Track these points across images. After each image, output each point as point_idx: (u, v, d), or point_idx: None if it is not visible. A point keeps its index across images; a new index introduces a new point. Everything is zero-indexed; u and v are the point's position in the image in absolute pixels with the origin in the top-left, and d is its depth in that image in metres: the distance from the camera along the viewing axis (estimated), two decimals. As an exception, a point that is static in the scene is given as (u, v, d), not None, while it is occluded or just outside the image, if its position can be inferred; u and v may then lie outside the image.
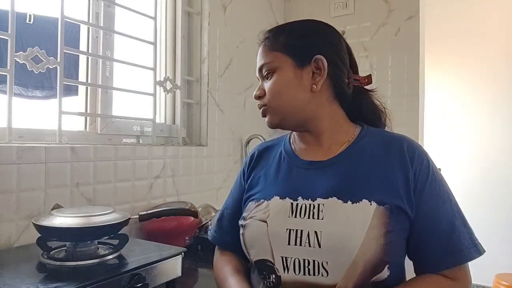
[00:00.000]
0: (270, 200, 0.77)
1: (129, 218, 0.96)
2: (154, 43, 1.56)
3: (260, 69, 0.86)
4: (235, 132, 1.96)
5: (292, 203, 0.74)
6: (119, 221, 0.91)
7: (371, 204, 0.69)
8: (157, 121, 1.61)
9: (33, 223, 0.87)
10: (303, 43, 0.80)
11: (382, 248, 0.67)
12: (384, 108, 0.88)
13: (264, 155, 0.91)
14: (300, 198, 0.74)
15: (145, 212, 1.06)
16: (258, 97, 0.86)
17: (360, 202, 0.69)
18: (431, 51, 3.02)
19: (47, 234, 0.89)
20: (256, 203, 0.79)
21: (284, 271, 0.70)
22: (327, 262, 0.68)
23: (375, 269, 0.67)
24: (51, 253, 0.90)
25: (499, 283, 2.78)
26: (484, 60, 3.31)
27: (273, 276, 0.71)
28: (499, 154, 3.25)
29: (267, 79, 0.83)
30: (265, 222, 0.74)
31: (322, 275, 0.68)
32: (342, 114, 0.83)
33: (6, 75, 1.10)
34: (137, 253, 0.94)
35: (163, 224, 1.30)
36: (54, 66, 1.21)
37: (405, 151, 0.74)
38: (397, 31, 1.98)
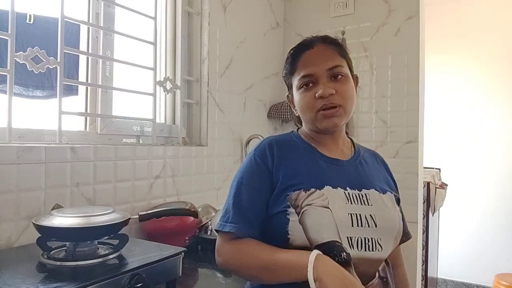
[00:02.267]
0: (322, 189, 0.85)
1: (129, 218, 0.97)
2: (154, 43, 1.56)
3: (331, 69, 0.89)
4: (235, 132, 1.96)
5: (345, 192, 0.86)
6: (119, 221, 0.92)
7: (391, 194, 0.93)
8: (157, 121, 1.61)
9: (33, 223, 0.87)
10: (351, 61, 0.96)
11: (403, 224, 0.92)
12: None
13: (286, 151, 0.92)
14: (348, 188, 0.87)
15: (145, 212, 1.06)
16: (330, 95, 0.88)
17: (387, 193, 0.92)
18: (431, 51, 3.02)
19: (47, 234, 0.89)
20: (307, 192, 0.84)
21: (350, 249, 0.81)
22: (380, 239, 0.84)
23: (402, 239, 0.94)
24: (51, 253, 0.90)
25: (499, 283, 2.78)
26: (484, 60, 3.31)
27: (344, 254, 0.80)
28: (499, 154, 3.25)
29: (336, 81, 0.89)
30: (328, 208, 0.83)
31: (378, 250, 0.83)
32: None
33: (6, 75, 1.10)
34: (137, 253, 0.94)
35: (163, 224, 1.30)
36: (54, 66, 1.21)
37: (382, 159, 1.05)
38: (397, 31, 1.98)
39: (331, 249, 0.80)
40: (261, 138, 1.92)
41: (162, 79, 1.62)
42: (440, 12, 3.34)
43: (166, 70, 1.72)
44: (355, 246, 0.82)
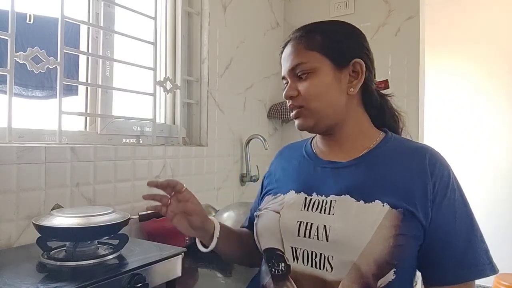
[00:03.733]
0: (286, 194, 0.81)
1: (129, 218, 0.97)
2: (154, 43, 1.56)
3: (293, 68, 0.81)
4: (235, 132, 1.96)
5: (306, 198, 0.77)
6: (119, 221, 0.92)
7: (383, 205, 0.70)
8: (157, 121, 1.61)
9: (33, 223, 0.87)
10: (342, 45, 0.80)
11: (389, 250, 0.67)
12: (400, 113, 0.91)
13: (285, 156, 0.94)
14: (314, 193, 0.77)
15: (145, 212, 1.06)
16: (291, 97, 0.81)
17: (373, 202, 0.71)
18: (431, 51, 3.02)
19: (47, 234, 0.89)
20: (273, 196, 0.83)
21: (294, 261, 0.74)
22: (332, 257, 0.70)
23: (380, 271, 0.67)
24: (51, 253, 0.90)
25: (499, 283, 2.78)
26: (484, 60, 3.31)
27: (282, 264, 0.74)
28: (500, 155, 3.25)
29: (301, 79, 0.80)
30: (278, 213, 0.78)
31: (326, 270, 0.70)
32: (366, 118, 0.84)
33: (6, 75, 1.10)
34: (137, 253, 0.94)
35: (163, 224, 1.30)
36: (54, 66, 1.21)
37: (426, 162, 0.74)
38: (397, 31, 1.98)
39: (270, 258, 0.77)
40: (261, 138, 1.92)
41: (162, 79, 1.62)
42: (440, 12, 3.34)
43: (166, 70, 1.72)
44: (300, 258, 0.73)
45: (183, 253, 0.98)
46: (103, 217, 0.90)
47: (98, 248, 0.93)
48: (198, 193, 1.67)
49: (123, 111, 1.50)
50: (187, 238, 1.38)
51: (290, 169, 0.88)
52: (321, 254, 0.71)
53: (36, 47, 1.17)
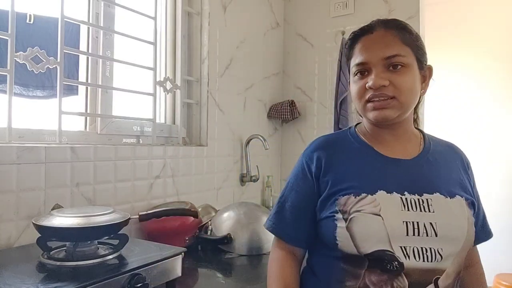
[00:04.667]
0: (375, 194, 0.80)
1: (129, 218, 0.97)
2: (154, 43, 1.56)
3: (389, 58, 0.79)
4: (235, 132, 1.96)
5: (401, 198, 0.79)
6: (119, 221, 0.92)
7: (462, 199, 0.82)
8: (157, 121, 1.61)
9: (33, 223, 0.87)
10: (423, 49, 0.85)
11: (473, 235, 0.82)
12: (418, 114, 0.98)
13: (335, 152, 0.88)
14: (406, 193, 0.80)
15: (145, 212, 1.06)
16: (382, 87, 0.79)
17: (455, 197, 0.81)
18: (431, 51, 3.01)
19: (47, 234, 0.89)
20: (357, 197, 0.80)
21: (406, 258, 0.76)
22: (442, 249, 0.77)
23: (468, 253, 0.83)
24: (51, 253, 0.90)
25: (499, 283, 2.78)
26: (485, 60, 3.31)
27: (395, 263, 0.76)
28: (500, 154, 3.25)
29: (392, 71, 0.79)
30: (379, 215, 0.77)
31: (437, 261, 0.77)
32: (412, 119, 0.91)
33: (6, 75, 1.10)
34: (137, 253, 0.94)
35: (163, 224, 1.30)
36: (54, 66, 1.21)
37: (463, 157, 0.91)
38: (397, 31, 1.98)
39: (381, 258, 0.76)
40: (261, 138, 1.92)
41: (162, 79, 1.62)
42: (440, 12, 3.34)
43: (166, 70, 1.72)
44: (411, 255, 0.76)
45: (183, 253, 0.98)
46: (103, 217, 0.90)
47: (98, 248, 0.93)
48: (198, 193, 1.69)
49: (123, 111, 1.50)
50: (187, 238, 1.39)
51: (355, 166, 0.85)
52: (430, 248, 0.76)
53: (36, 47, 1.17)
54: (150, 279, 0.86)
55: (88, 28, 1.40)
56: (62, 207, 1.01)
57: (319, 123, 2.24)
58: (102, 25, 1.42)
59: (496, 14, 3.24)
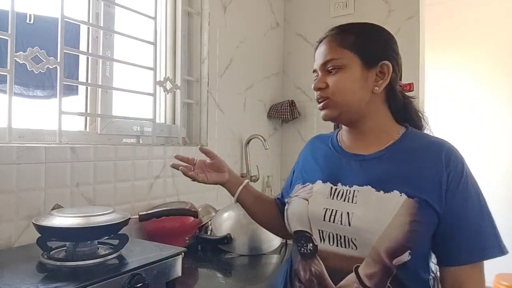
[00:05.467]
0: (314, 183, 0.89)
1: (129, 218, 0.97)
2: (154, 43, 1.56)
3: (325, 63, 0.87)
4: (235, 132, 1.96)
5: (331, 187, 0.86)
6: (119, 221, 0.92)
7: (401, 195, 0.78)
8: (157, 121, 1.61)
9: (33, 223, 0.87)
10: (373, 47, 0.87)
11: (405, 234, 0.75)
12: (423, 113, 0.97)
13: (314, 147, 1.01)
14: (339, 184, 0.85)
15: (145, 212, 1.06)
16: (319, 89, 0.88)
17: (391, 192, 0.79)
18: (431, 51, 3.02)
19: (47, 234, 0.89)
20: (303, 185, 0.92)
21: (321, 242, 0.83)
22: (355, 239, 0.78)
23: (396, 252, 0.76)
24: (51, 253, 0.90)
25: (499, 283, 2.78)
26: (485, 60, 3.31)
27: (310, 244, 0.84)
28: (500, 154, 3.25)
29: (331, 74, 0.86)
30: (307, 200, 0.87)
31: (352, 248, 0.79)
32: (389, 115, 0.90)
33: (6, 75, 1.10)
34: (137, 253, 0.94)
35: (163, 224, 1.30)
36: (54, 66, 1.21)
37: (442, 155, 0.81)
38: (397, 31, 1.98)
39: (300, 239, 0.87)
40: (261, 138, 1.92)
41: (162, 79, 1.62)
42: (440, 12, 3.34)
43: (166, 70, 1.72)
44: (326, 239, 0.82)
45: (183, 253, 0.98)
46: (103, 217, 0.90)
47: (98, 248, 0.93)
48: (198, 193, 1.69)
49: (123, 111, 1.50)
50: (187, 238, 1.39)
51: (318, 160, 0.95)
52: (345, 236, 0.79)
53: (36, 47, 1.17)
54: (150, 279, 0.86)
55: (88, 28, 1.40)
56: (62, 207, 1.01)
57: (319, 123, 2.24)
58: (102, 25, 1.42)
59: (496, 14, 3.24)
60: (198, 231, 1.43)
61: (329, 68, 0.86)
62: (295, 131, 2.31)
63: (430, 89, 3.14)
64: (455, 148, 0.84)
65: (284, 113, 2.18)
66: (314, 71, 0.91)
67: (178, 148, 1.60)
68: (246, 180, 1.05)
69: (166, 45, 1.73)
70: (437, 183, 0.79)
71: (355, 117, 0.87)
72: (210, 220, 1.48)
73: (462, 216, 0.78)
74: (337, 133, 0.99)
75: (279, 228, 1.04)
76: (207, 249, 1.40)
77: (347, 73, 0.85)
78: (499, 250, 0.79)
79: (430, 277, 0.84)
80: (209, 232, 1.43)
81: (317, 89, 0.88)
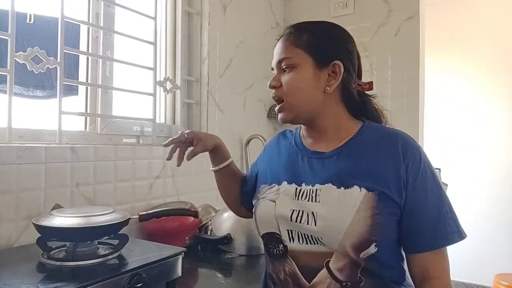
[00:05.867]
0: (280, 184, 0.89)
1: (129, 218, 0.97)
2: (154, 43, 1.56)
3: (280, 62, 0.87)
4: (235, 132, 1.96)
5: (296, 188, 0.86)
6: (119, 221, 0.92)
7: (360, 190, 0.79)
8: (157, 121, 1.61)
9: (33, 223, 0.87)
10: (325, 46, 0.86)
11: (368, 228, 0.76)
12: (383, 111, 0.96)
13: (279, 143, 1.01)
14: (303, 184, 0.85)
15: (145, 212, 1.06)
16: (273, 87, 0.88)
17: (352, 188, 0.80)
18: (431, 51, 3.03)
19: (47, 234, 0.89)
20: (268, 186, 0.92)
21: (290, 241, 0.83)
22: (321, 238, 0.79)
23: (362, 246, 0.77)
24: (51, 253, 0.90)
25: (499, 283, 2.78)
26: (485, 60, 3.31)
27: (281, 245, 0.85)
28: (499, 154, 3.25)
29: (285, 72, 0.87)
30: (274, 202, 0.87)
31: (320, 245, 0.80)
32: (346, 113, 0.90)
33: (6, 75, 1.10)
34: (137, 253, 0.94)
35: (163, 224, 1.30)
36: (54, 66, 1.21)
37: (398, 146, 0.82)
38: (397, 31, 1.98)
39: (270, 240, 0.87)
40: (261, 138, 1.92)
41: (162, 79, 1.62)
42: (440, 12, 3.34)
43: (166, 70, 1.72)
44: (295, 239, 0.83)
45: (183, 253, 0.98)
46: (103, 217, 0.90)
47: (98, 248, 0.93)
48: (198, 193, 1.69)
49: (123, 111, 1.50)
50: (187, 238, 1.39)
51: (282, 158, 0.95)
52: (311, 235, 0.80)
53: (36, 47, 1.17)
54: (150, 279, 0.86)
55: (88, 28, 1.40)
56: (62, 207, 1.01)
57: (319, 123, 2.23)
58: (102, 25, 1.42)
59: (496, 14, 3.24)
60: (198, 231, 1.43)
61: (283, 67, 0.86)
62: (295, 131, 2.31)
63: (430, 89, 3.15)
64: (411, 138, 0.84)
65: (284, 113, 2.18)
66: (272, 68, 0.91)
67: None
68: (231, 159, 1.12)
69: (166, 45, 1.73)
70: (395, 174, 0.79)
71: (310, 117, 0.88)
72: (210, 220, 1.47)
73: (422, 205, 0.80)
74: (300, 129, 0.98)
75: (232, 201, 1.12)
76: (207, 249, 1.40)
77: (299, 72, 0.85)
78: (458, 235, 0.81)
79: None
80: (209, 232, 1.43)
81: (271, 87, 0.88)
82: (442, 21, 3.37)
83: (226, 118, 1.90)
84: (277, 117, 0.91)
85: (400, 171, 0.79)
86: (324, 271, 0.79)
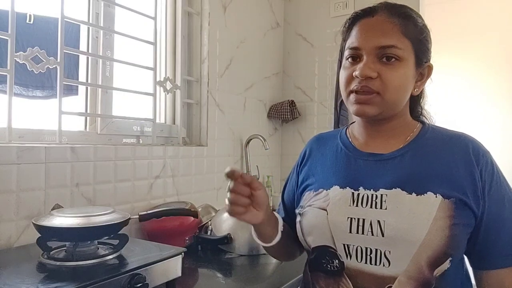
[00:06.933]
0: (329, 189, 0.77)
1: (129, 218, 0.97)
2: (154, 43, 1.56)
3: (383, 48, 0.72)
4: (235, 132, 1.96)
5: (353, 193, 0.74)
6: (119, 221, 0.92)
7: (436, 197, 0.69)
8: (157, 121, 1.61)
9: (33, 223, 0.87)
10: (427, 45, 0.77)
11: (446, 240, 0.67)
12: (429, 112, 0.90)
13: (319, 147, 0.89)
14: (361, 188, 0.74)
15: (145, 212, 1.06)
16: (368, 78, 0.72)
17: (425, 194, 0.70)
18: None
19: (47, 234, 0.89)
20: (315, 193, 0.80)
21: (347, 258, 0.72)
22: (389, 252, 0.68)
23: (438, 261, 0.68)
24: (51, 253, 0.90)
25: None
26: (485, 60, 3.31)
27: (336, 261, 0.73)
28: (500, 154, 3.25)
29: (384, 63, 0.72)
30: (325, 210, 0.75)
31: (383, 265, 0.69)
32: (409, 113, 0.83)
33: (6, 75, 1.10)
34: (137, 253, 0.94)
35: (163, 224, 1.30)
36: (54, 66, 1.21)
37: (470, 150, 0.74)
38: (397, 31, 1.97)
39: (323, 255, 0.76)
40: (261, 138, 1.92)
41: (162, 79, 1.62)
42: (440, 12, 3.34)
43: (166, 70, 1.72)
44: (353, 255, 0.71)
45: (183, 253, 0.98)
46: (103, 217, 0.90)
47: (98, 248, 0.93)
48: (198, 193, 1.69)
49: (123, 111, 1.50)
50: (187, 238, 1.39)
51: (327, 161, 0.83)
52: (376, 249, 0.69)
53: (36, 47, 1.17)
54: (150, 279, 0.86)
55: (88, 28, 1.40)
56: (62, 207, 1.01)
57: (319, 123, 2.24)
58: (102, 25, 1.42)
59: (496, 14, 3.24)
60: (198, 231, 1.43)
61: (385, 55, 0.72)
62: (295, 131, 2.31)
63: (430, 89, 3.14)
64: (479, 141, 0.77)
65: (284, 113, 2.18)
66: (355, 48, 0.75)
67: (178, 148, 1.60)
68: (279, 217, 0.85)
69: (166, 45, 1.73)
70: (471, 181, 0.71)
71: (390, 115, 0.77)
72: (210, 220, 1.47)
73: (500, 215, 0.72)
74: (346, 130, 0.88)
75: (292, 252, 0.92)
76: (207, 249, 1.40)
77: (406, 68, 0.73)
78: None
79: (472, 283, 0.77)
80: (209, 232, 1.43)
81: (365, 76, 0.71)
82: (442, 21, 3.37)
83: (226, 118, 1.90)
84: (339, 110, 0.76)
85: (475, 176, 0.71)
86: None
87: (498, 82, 3.27)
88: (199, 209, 1.52)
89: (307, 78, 2.28)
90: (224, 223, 1.41)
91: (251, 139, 1.98)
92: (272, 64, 2.26)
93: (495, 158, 0.79)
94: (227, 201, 0.73)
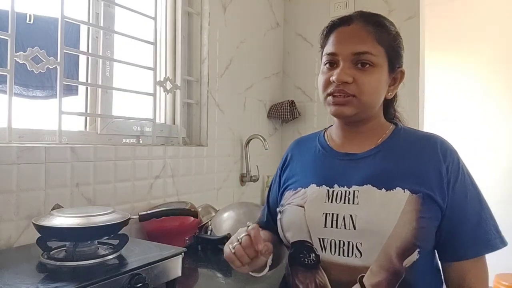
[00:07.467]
0: (307, 187, 0.83)
1: (129, 218, 0.97)
2: (154, 43, 1.56)
3: (358, 54, 0.77)
4: (235, 132, 1.96)
5: (328, 190, 0.80)
6: (119, 221, 0.92)
7: (404, 192, 0.75)
8: (157, 121, 1.61)
9: (33, 223, 0.87)
10: (400, 51, 0.84)
11: (413, 232, 0.72)
12: (401, 114, 0.97)
13: (300, 150, 0.95)
14: (336, 185, 0.80)
15: (145, 212, 1.06)
16: (344, 83, 0.77)
17: (394, 189, 0.75)
18: (431, 51, 3.03)
19: (47, 234, 0.89)
20: (294, 191, 0.85)
21: (322, 251, 0.77)
22: (361, 244, 0.73)
23: (406, 252, 0.72)
24: (51, 253, 0.90)
25: (499, 283, 2.78)
26: (484, 60, 3.31)
27: (313, 255, 0.78)
28: (500, 154, 3.25)
29: (359, 69, 0.78)
30: (303, 207, 0.80)
31: (355, 256, 0.74)
32: (382, 115, 0.89)
33: (6, 75, 1.10)
34: (137, 253, 0.94)
35: (163, 224, 1.30)
36: (54, 66, 1.21)
37: (438, 148, 0.80)
38: (397, 31, 1.97)
39: (301, 249, 0.80)
40: (261, 138, 1.92)
41: (162, 79, 1.62)
42: (440, 12, 3.34)
43: (166, 70, 1.72)
44: (327, 248, 0.76)
45: (183, 253, 0.98)
46: (103, 217, 0.90)
47: (98, 248, 0.93)
48: (198, 193, 1.69)
49: (123, 111, 1.50)
50: (187, 238, 1.39)
51: (306, 162, 0.89)
52: (349, 242, 0.74)
53: (36, 47, 1.17)
54: (150, 279, 0.86)
55: (88, 28, 1.40)
56: (62, 207, 1.01)
57: (319, 123, 2.24)
58: (102, 25, 1.42)
59: (496, 14, 3.24)
60: (198, 231, 1.44)
61: (360, 61, 0.77)
62: (295, 131, 2.31)
63: (430, 89, 3.14)
64: (447, 141, 0.83)
65: (284, 113, 2.18)
66: (332, 54, 0.80)
67: (178, 148, 1.60)
68: (270, 257, 0.82)
69: (166, 45, 1.73)
70: (437, 177, 0.76)
71: (366, 117, 0.83)
72: (210, 220, 1.48)
73: (463, 209, 0.77)
74: (324, 132, 0.94)
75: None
76: (207, 249, 1.40)
77: (379, 73, 0.79)
78: (500, 241, 0.79)
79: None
80: (209, 232, 1.43)
81: (341, 81, 0.77)
82: (442, 21, 3.37)
83: (226, 118, 1.90)
84: (331, 107, 0.81)
85: (442, 173, 0.77)
86: (357, 287, 0.73)
87: (499, 81, 3.27)
88: (199, 209, 1.52)
89: (307, 78, 2.28)
90: (224, 223, 1.41)
91: (251, 139, 1.98)
92: (272, 64, 2.26)
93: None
94: (231, 248, 0.77)
